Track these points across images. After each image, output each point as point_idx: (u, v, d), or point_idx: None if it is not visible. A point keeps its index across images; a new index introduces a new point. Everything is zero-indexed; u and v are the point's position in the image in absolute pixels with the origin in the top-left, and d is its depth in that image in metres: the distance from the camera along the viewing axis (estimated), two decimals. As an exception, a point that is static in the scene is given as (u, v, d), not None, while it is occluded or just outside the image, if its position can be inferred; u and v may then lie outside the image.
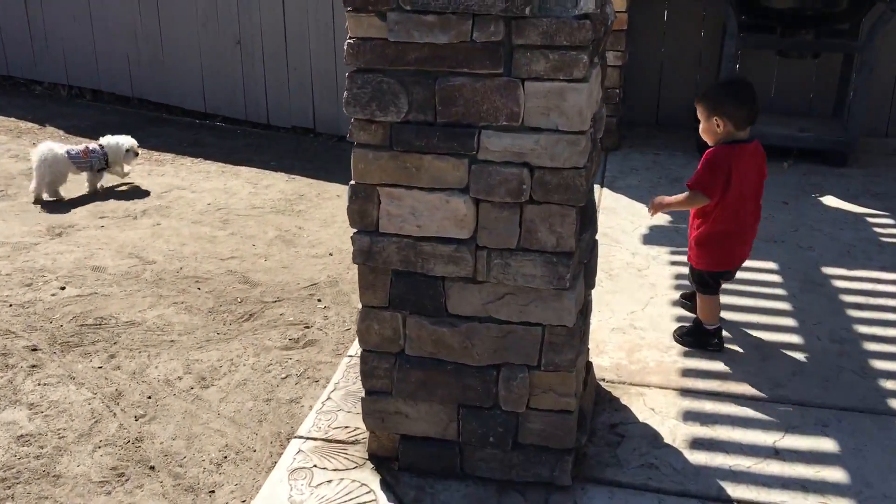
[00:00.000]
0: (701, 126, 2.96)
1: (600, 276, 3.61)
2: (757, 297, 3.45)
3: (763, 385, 2.84)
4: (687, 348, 3.04)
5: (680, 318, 3.28)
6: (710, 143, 2.95)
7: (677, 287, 3.53)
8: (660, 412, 2.69)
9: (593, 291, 3.23)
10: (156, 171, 5.56)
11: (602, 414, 2.69)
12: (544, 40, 1.95)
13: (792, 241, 3.97)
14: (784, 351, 3.04)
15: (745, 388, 2.82)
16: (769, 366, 2.95)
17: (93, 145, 5.09)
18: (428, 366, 2.30)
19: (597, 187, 4.65)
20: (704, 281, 3.02)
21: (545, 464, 2.33)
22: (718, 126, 2.88)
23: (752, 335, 3.16)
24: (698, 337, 3.05)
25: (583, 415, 2.49)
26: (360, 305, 2.30)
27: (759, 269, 3.69)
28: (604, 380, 2.88)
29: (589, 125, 2.06)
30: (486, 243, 2.15)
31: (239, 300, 3.73)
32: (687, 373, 2.91)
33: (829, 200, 4.50)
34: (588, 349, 2.77)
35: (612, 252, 3.87)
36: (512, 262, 2.15)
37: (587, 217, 2.28)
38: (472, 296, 2.22)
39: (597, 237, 2.52)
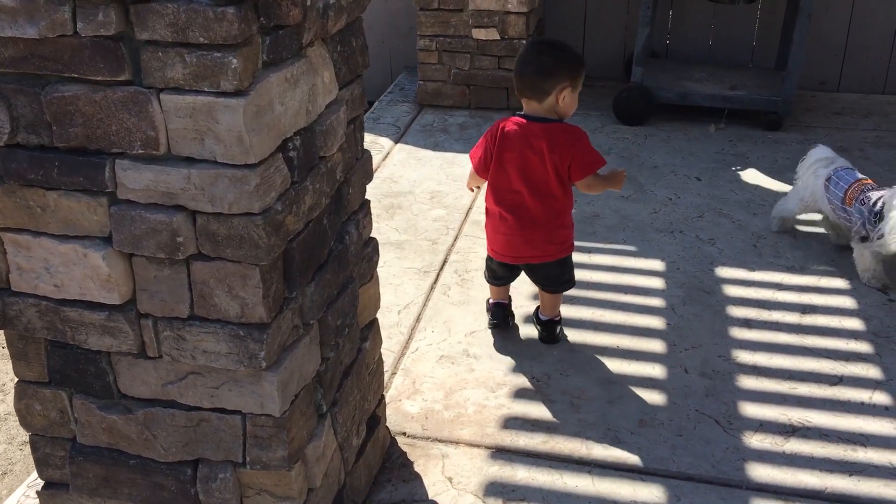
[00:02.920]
0: None
1: (450, 281, 3.04)
2: (627, 310, 2.88)
3: (598, 441, 2.29)
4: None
5: (527, 341, 2.72)
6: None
7: (537, 296, 2.95)
8: (458, 484, 2.15)
9: (437, 303, 2.72)
10: None
11: (385, 487, 2.15)
12: (176, 35, 1.33)
13: (691, 232, 3.37)
14: (638, 390, 2.49)
15: (573, 446, 2.27)
16: (614, 411, 2.40)
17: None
18: (107, 458, 1.75)
19: (487, 159, 4.04)
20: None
21: (269, 578, 1.81)
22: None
23: (604, 366, 2.60)
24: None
25: (342, 502, 1.95)
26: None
27: (640, 271, 3.11)
28: (405, 434, 2.33)
29: (268, 154, 1.45)
30: (148, 310, 1.57)
31: None
32: (509, 423, 2.37)
33: (751, 175, 3.87)
34: (381, 400, 2.22)
35: (476, 247, 3.28)
36: (186, 335, 1.57)
37: (314, 262, 1.69)
38: (147, 374, 1.65)
39: (353, 276, 1.93)
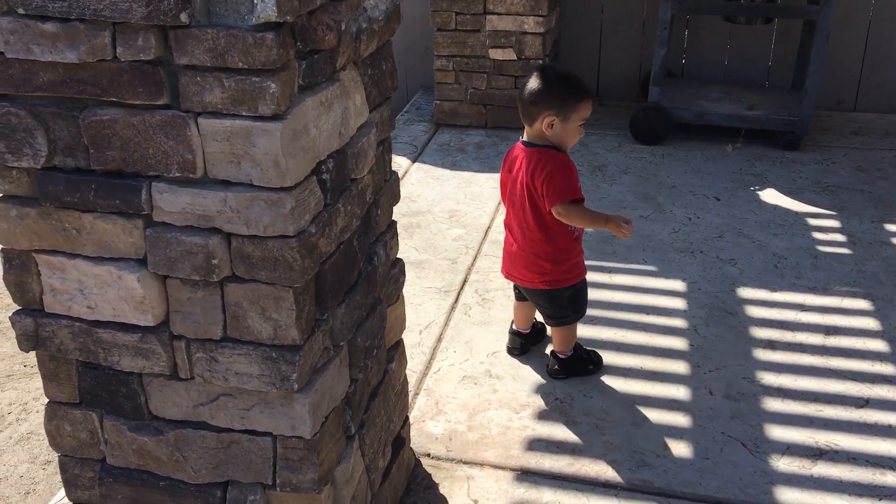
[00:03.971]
0: None
1: (470, 301, 3.04)
2: (650, 330, 2.87)
3: (624, 464, 2.27)
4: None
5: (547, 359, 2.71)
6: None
7: (559, 316, 2.95)
8: (484, 506, 2.15)
9: (458, 322, 2.72)
10: None
11: (409, 509, 2.14)
12: (215, 60, 1.34)
13: (712, 252, 3.36)
14: (663, 412, 2.47)
15: (599, 469, 2.26)
16: (639, 434, 2.39)
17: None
18: (136, 480, 1.74)
19: (504, 178, 4.04)
20: None
21: None
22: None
23: (628, 388, 2.59)
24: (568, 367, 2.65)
25: (368, 523, 1.95)
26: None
27: (661, 291, 3.10)
28: (429, 455, 2.32)
29: (303, 177, 1.46)
30: (181, 332, 1.57)
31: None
32: (534, 444, 2.35)
33: (770, 195, 3.86)
34: (406, 421, 2.21)
35: (496, 267, 3.27)
36: (219, 356, 1.58)
37: (344, 284, 1.69)
38: (179, 396, 1.65)
39: (380, 300, 1.93)
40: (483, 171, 4.16)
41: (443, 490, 2.19)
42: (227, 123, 1.38)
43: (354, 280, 1.75)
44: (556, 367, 2.63)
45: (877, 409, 2.46)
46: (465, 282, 3.19)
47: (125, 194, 1.47)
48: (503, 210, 3.76)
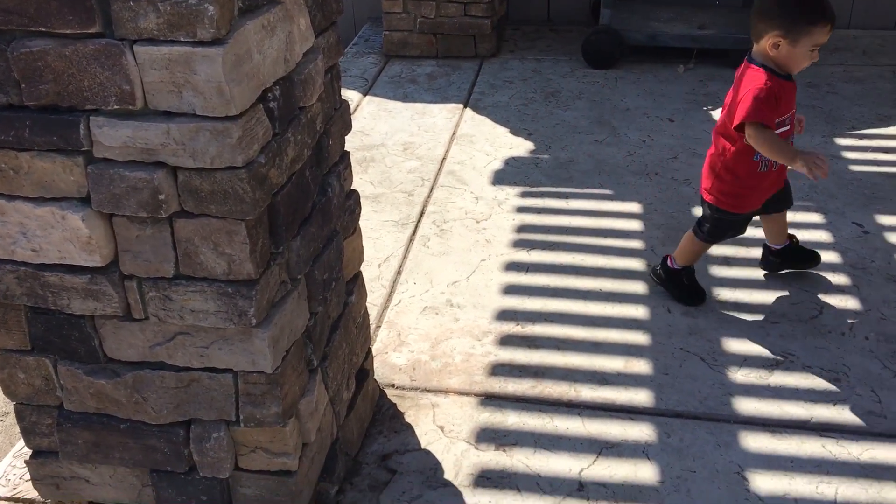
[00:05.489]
0: None
1: (428, 233, 3.02)
2: (608, 253, 2.88)
3: (586, 384, 2.31)
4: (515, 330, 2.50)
5: (509, 288, 2.72)
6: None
7: (517, 243, 2.95)
8: (450, 432, 2.16)
9: (417, 255, 2.71)
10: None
11: (376, 439, 2.15)
12: (148, -18, 1.27)
13: (667, 174, 3.37)
14: (623, 331, 2.50)
15: (562, 390, 2.29)
16: (599, 354, 2.42)
17: None
18: (96, 424, 1.72)
19: (458, 109, 4.00)
20: None
21: (269, 533, 1.81)
22: None
23: (589, 310, 2.61)
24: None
25: (336, 455, 1.95)
26: None
27: (618, 214, 3.11)
28: (393, 386, 2.33)
29: (249, 105, 1.41)
30: (132, 271, 1.53)
31: None
32: (497, 370, 2.37)
33: (722, 115, 3.87)
34: (368, 354, 2.21)
35: (453, 198, 3.26)
36: (173, 295, 1.54)
37: (298, 216, 1.65)
38: (134, 337, 1.61)
39: (334, 231, 1.90)
40: (436, 102, 4.10)
41: (408, 418, 2.20)
42: (165, 50, 1.32)
43: (309, 212, 1.72)
44: (659, 268, 2.64)
45: (830, 319, 2.52)
46: (422, 214, 3.16)
47: (62, 130, 1.40)
48: (458, 141, 3.73)
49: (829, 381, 2.28)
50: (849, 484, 1.97)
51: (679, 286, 2.60)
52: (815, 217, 3.03)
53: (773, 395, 2.24)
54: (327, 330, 1.89)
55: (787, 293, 2.64)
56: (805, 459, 2.04)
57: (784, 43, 2.20)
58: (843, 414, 2.17)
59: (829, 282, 2.68)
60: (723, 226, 2.50)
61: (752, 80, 2.26)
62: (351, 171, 2.00)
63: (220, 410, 1.67)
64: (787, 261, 2.69)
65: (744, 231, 2.55)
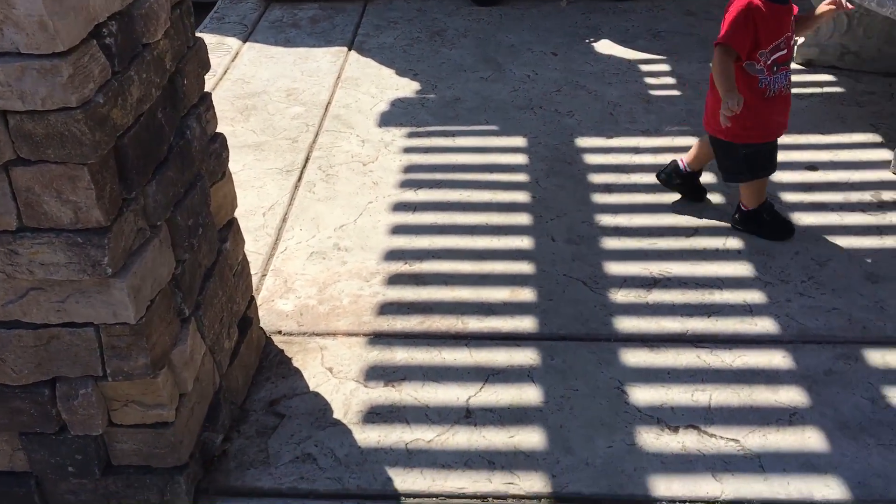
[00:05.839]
0: None
1: (314, 178, 2.97)
2: (494, 188, 2.90)
3: (473, 315, 2.33)
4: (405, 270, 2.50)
5: (397, 228, 2.71)
6: None
7: (404, 183, 2.93)
8: (339, 373, 2.16)
9: (303, 201, 2.65)
10: None
11: (264, 386, 2.13)
12: None
13: (550, 107, 3.39)
14: (508, 262, 2.53)
15: (449, 323, 2.31)
16: (485, 286, 2.44)
17: None
18: (-46, 390, 1.64)
19: (343, 52, 3.91)
20: None
21: (152, 487, 1.77)
22: None
23: (476, 244, 2.63)
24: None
25: (219, 404, 1.92)
26: None
27: (504, 149, 3.12)
28: (280, 332, 2.30)
29: (79, 41, 1.33)
30: (-30, 226, 1.45)
31: None
32: (385, 309, 2.37)
33: (604, 46, 3.91)
34: (252, 301, 2.17)
35: (338, 142, 3.20)
36: (19, 248, 1.46)
37: (152, 160, 1.59)
38: (-16, 296, 1.54)
39: (195, 180, 1.83)
40: (319, 46, 4.00)
41: (296, 363, 2.19)
42: (-25, -18, 1.23)
43: (165, 155, 1.65)
44: (736, 216, 2.61)
45: (705, 236, 2.61)
46: (307, 160, 3.10)
47: None
48: (343, 85, 3.66)
49: (703, 294, 2.37)
50: (722, 389, 2.07)
51: (763, 224, 2.57)
52: (692, 140, 3.09)
53: (651, 312, 2.31)
54: (199, 278, 1.84)
55: (665, 215, 2.72)
56: (681, 370, 2.13)
57: None
58: (716, 325, 2.26)
59: (707, 202, 2.77)
60: (761, 157, 2.49)
61: (737, 2, 2.29)
62: (214, 112, 1.94)
63: (86, 366, 1.61)
64: (685, 185, 2.74)
65: (773, 166, 2.54)
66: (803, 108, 3.28)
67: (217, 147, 1.95)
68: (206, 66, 1.88)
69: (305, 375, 2.15)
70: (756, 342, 2.20)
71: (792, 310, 2.30)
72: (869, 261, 2.48)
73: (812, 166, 2.93)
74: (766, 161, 2.52)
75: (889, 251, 2.50)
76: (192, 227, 1.77)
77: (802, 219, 2.66)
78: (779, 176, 2.84)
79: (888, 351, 2.16)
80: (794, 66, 3.58)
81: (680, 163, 2.71)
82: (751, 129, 2.43)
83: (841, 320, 2.26)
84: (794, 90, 3.44)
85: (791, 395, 2.04)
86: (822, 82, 3.47)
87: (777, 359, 2.15)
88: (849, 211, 2.67)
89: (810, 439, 1.93)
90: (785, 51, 2.35)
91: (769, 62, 2.33)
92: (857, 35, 3.49)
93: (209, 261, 1.90)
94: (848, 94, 3.36)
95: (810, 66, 3.59)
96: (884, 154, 2.97)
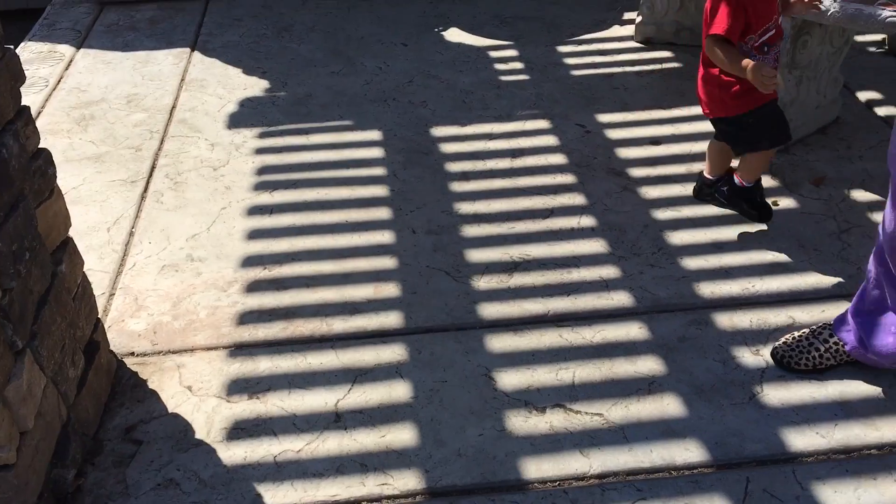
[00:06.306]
0: None
1: (161, 187, 2.83)
2: (352, 184, 2.85)
3: (337, 316, 2.29)
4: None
5: (253, 233, 2.62)
6: None
7: (259, 186, 2.85)
8: (199, 390, 2.07)
9: (151, 212, 2.53)
10: None
11: (118, 413, 2.01)
12: None
13: (404, 98, 3.38)
14: (370, 259, 2.50)
15: (314, 327, 2.25)
16: (349, 285, 2.40)
17: None
18: None
19: (185, 53, 3.75)
20: None
21: (-2, 536, 1.64)
22: None
23: (336, 243, 2.58)
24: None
25: (69, 438, 1.80)
26: None
27: (359, 144, 3.08)
28: (133, 354, 2.19)
29: None
30: None
31: None
32: (246, 318, 2.29)
33: (453, 34, 3.92)
34: (98, 324, 2.04)
35: (186, 147, 3.07)
36: None
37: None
38: None
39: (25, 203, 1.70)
40: (160, 48, 3.82)
41: (152, 385, 2.08)
42: None
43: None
44: (725, 188, 2.55)
45: (560, 217, 2.66)
46: (153, 168, 2.96)
47: None
48: (187, 87, 3.52)
49: (562, 274, 2.42)
50: (584, 365, 2.12)
51: (753, 204, 2.55)
52: (543, 123, 3.17)
53: (513, 296, 2.34)
54: (32, 306, 1.71)
55: (521, 199, 2.75)
56: (545, 351, 2.16)
57: None
58: (576, 303, 2.32)
59: (559, 183, 2.83)
60: (771, 118, 2.42)
61: None
62: (35, 128, 1.80)
63: None
64: (750, 202, 2.59)
65: (786, 127, 2.45)
66: (644, 84, 3.40)
67: (41, 164, 1.82)
68: (20, 78, 1.74)
69: (163, 397, 2.04)
70: (613, 316, 2.27)
71: (644, 281, 2.38)
72: (713, 228, 2.60)
73: (655, 141, 3.04)
74: (777, 120, 2.45)
75: (730, 216, 2.63)
76: (17, 253, 1.64)
77: (649, 192, 2.77)
78: (624, 153, 2.94)
79: (734, 313, 2.27)
80: (633, 44, 3.75)
81: (736, 179, 2.57)
82: (743, 94, 2.37)
83: (690, 287, 2.36)
84: (634, 68, 3.59)
85: (649, 365, 2.11)
86: (660, 59, 3.62)
87: (634, 330, 2.22)
88: (692, 181, 2.79)
89: (669, 406, 2.00)
90: (774, 31, 2.38)
91: (758, 44, 2.35)
92: (690, 11, 3.65)
93: (42, 286, 1.77)
94: (685, 69, 3.51)
95: (648, 43, 3.73)
96: (721, 124, 3.13)
